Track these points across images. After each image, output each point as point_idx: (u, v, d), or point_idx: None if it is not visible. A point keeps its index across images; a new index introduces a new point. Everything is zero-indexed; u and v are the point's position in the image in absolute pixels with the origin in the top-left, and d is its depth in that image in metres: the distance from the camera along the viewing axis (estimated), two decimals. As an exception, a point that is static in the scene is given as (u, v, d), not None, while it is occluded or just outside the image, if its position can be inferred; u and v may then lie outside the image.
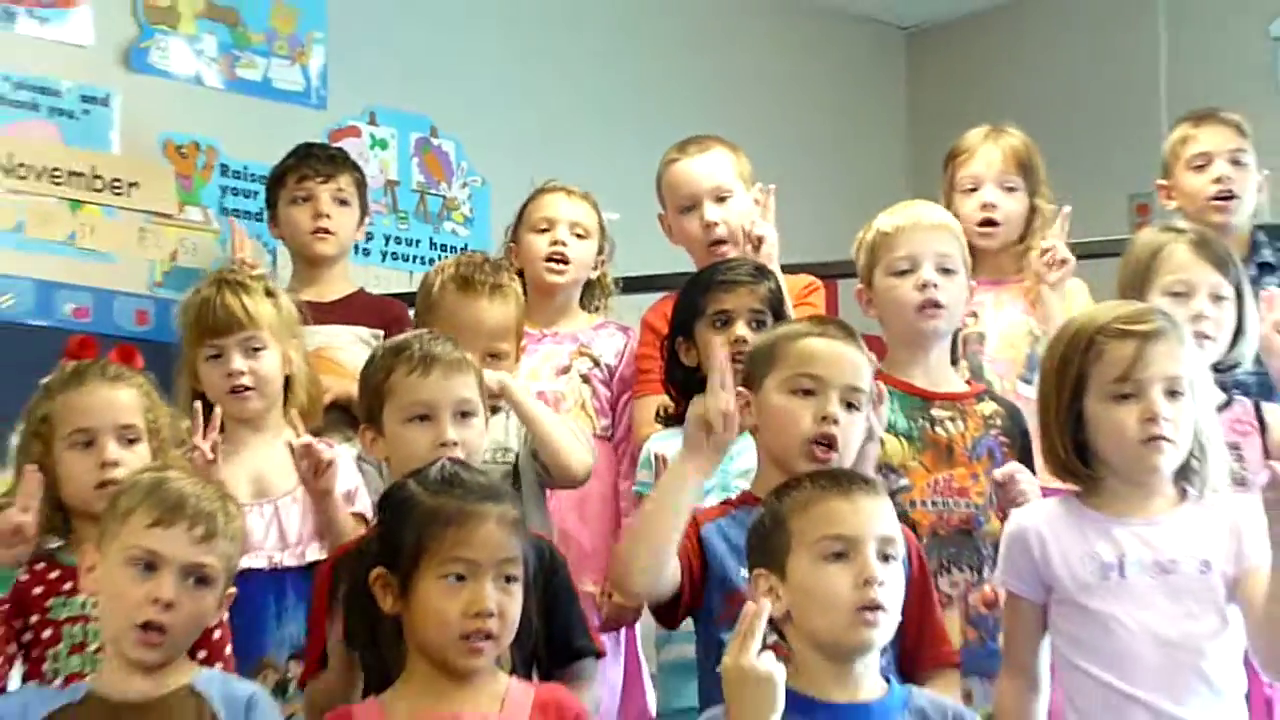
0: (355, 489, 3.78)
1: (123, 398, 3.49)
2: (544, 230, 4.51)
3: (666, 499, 3.17)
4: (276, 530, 3.76)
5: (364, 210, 4.97)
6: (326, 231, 4.82)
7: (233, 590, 3.09)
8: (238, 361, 3.81)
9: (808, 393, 3.26)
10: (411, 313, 4.62)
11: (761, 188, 4.40)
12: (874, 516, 2.90)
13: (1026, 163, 4.49)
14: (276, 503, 3.77)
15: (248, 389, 3.82)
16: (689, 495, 3.15)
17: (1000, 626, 3.50)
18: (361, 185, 4.97)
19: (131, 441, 3.46)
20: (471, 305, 3.96)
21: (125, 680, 2.96)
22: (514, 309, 4.00)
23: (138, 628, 2.93)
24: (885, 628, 2.87)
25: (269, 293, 3.95)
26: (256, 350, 3.84)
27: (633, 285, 4.82)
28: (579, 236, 4.52)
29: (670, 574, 3.18)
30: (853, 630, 2.84)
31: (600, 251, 4.61)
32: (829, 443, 3.22)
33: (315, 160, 4.92)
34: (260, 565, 3.68)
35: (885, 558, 2.88)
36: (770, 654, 2.74)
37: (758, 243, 4.20)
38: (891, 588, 2.87)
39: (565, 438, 3.86)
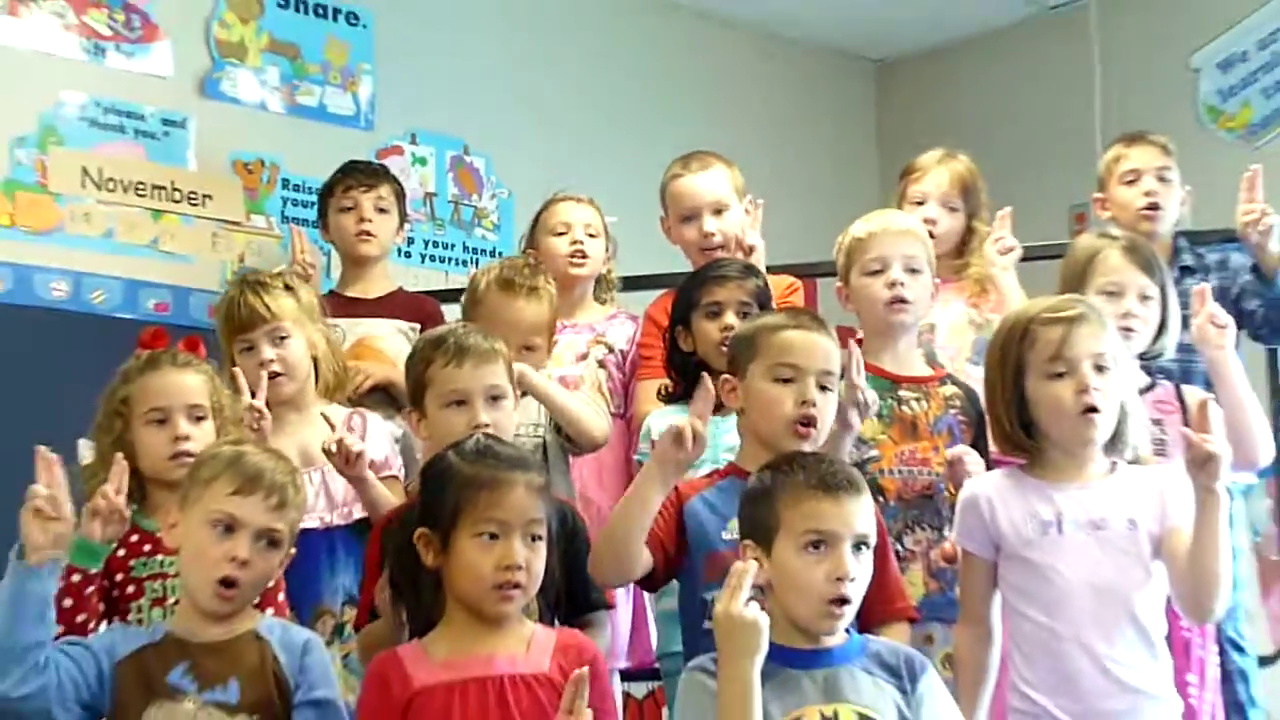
0: (386, 457, 3.80)
1: (191, 381, 3.49)
2: (562, 233, 4.53)
3: (633, 502, 3.13)
4: (325, 494, 3.78)
5: (403, 217, 4.96)
6: (369, 235, 4.82)
7: (292, 551, 3.09)
8: (267, 351, 3.82)
9: (788, 380, 3.25)
10: (448, 308, 4.65)
11: (751, 200, 4.40)
12: (854, 516, 2.87)
13: (970, 187, 4.50)
14: (323, 469, 3.76)
15: (278, 374, 3.81)
16: (654, 498, 3.11)
17: (957, 579, 3.49)
18: (400, 196, 4.96)
19: (199, 419, 3.46)
20: (511, 304, 3.92)
21: (199, 625, 2.98)
22: (547, 308, 3.97)
23: (216, 582, 2.94)
24: (848, 617, 2.86)
25: (287, 287, 3.95)
26: (282, 339, 3.86)
27: (634, 284, 4.82)
28: (591, 236, 4.54)
29: (638, 562, 3.16)
30: (820, 618, 2.84)
31: (607, 248, 4.63)
32: (809, 423, 3.22)
33: (359, 174, 4.92)
34: (314, 525, 3.70)
35: (859, 548, 2.86)
36: (756, 604, 2.73)
37: (749, 251, 4.21)
38: (860, 580, 2.85)
39: (581, 408, 3.88)
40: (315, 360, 3.92)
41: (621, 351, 4.47)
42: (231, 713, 2.90)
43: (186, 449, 3.39)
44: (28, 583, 2.90)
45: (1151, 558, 3.16)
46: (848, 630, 2.92)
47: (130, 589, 3.34)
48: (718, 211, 4.39)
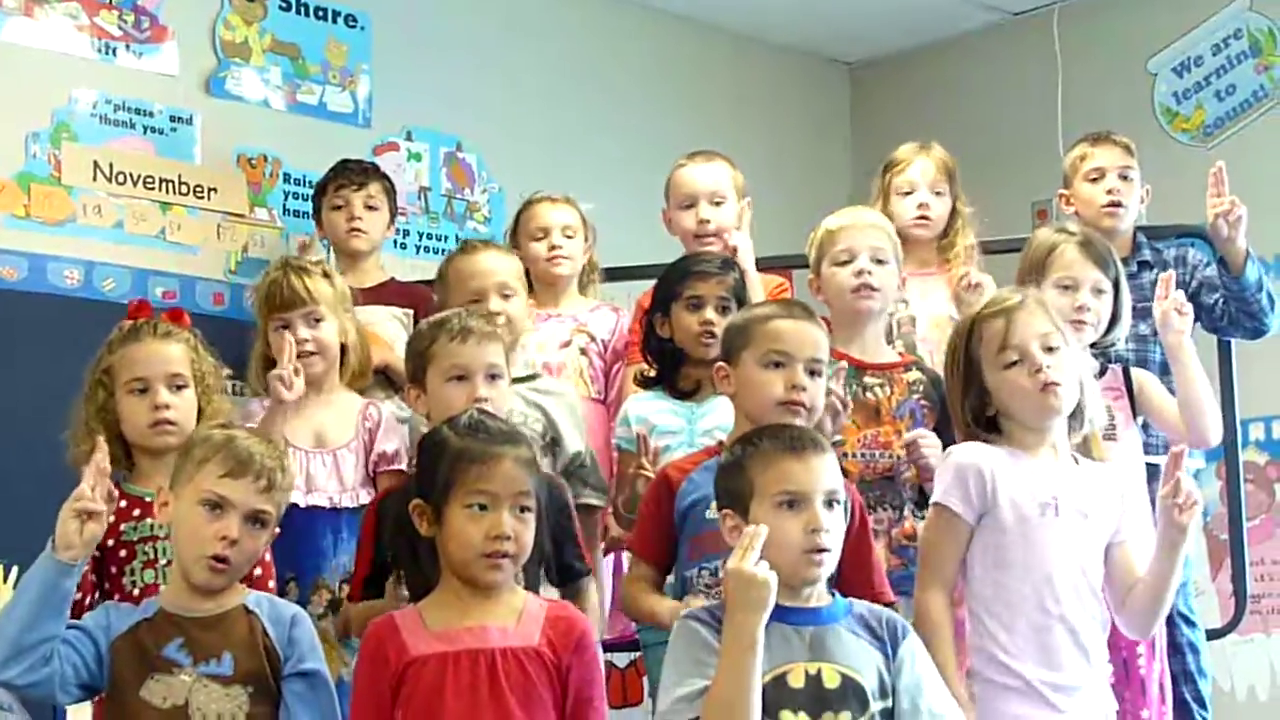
0: (398, 450, 3.82)
1: (172, 351, 3.49)
2: (540, 238, 4.54)
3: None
4: (336, 476, 3.80)
5: (393, 212, 5.03)
6: (359, 231, 4.90)
7: (277, 530, 3.13)
8: (302, 331, 3.84)
9: (778, 365, 3.30)
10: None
11: (749, 203, 4.46)
12: (822, 473, 2.92)
13: (951, 172, 4.55)
14: (336, 452, 3.80)
15: (311, 354, 3.83)
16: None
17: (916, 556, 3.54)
18: (390, 192, 5.02)
19: (180, 388, 3.46)
20: (472, 258, 4.02)
21: (191, 600, 3.02)
22: (511, 259, 4.07)
23: (208, 558, 2.97)
24: (829, 564, 2.90)
25: (325, 274, 3.98)
26: (317, 321, 3.88)
27: (615, 274, 4.85)
28: (569, 236, 4.56)
29: None
30: (802, 568, 2.87)
31: (586, 239, 4.65)
32: (799, 405, 3.27)
33: (350, 173, 4.98)
34: (323, 504, 3.75)
35: (830, 504, 2.91)
36: (765, 563, 2.76)
37: (734, 251, 4.24)
38: (834, 531, 2.90)
39: None
40: (343, 347, 3.93)
41: (603, 341, 4.50)
42: (226, 684, 2.94)
43: (167, 417, 3.42)
44: (62, 579, 2.93)
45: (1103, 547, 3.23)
46: (833, 593, 2.96)
47: (122, 553, 3.36)
48: (715, 202, 4.42)
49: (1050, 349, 3.25)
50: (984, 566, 3.23)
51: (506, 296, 3.95)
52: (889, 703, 2.85)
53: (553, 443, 3.91)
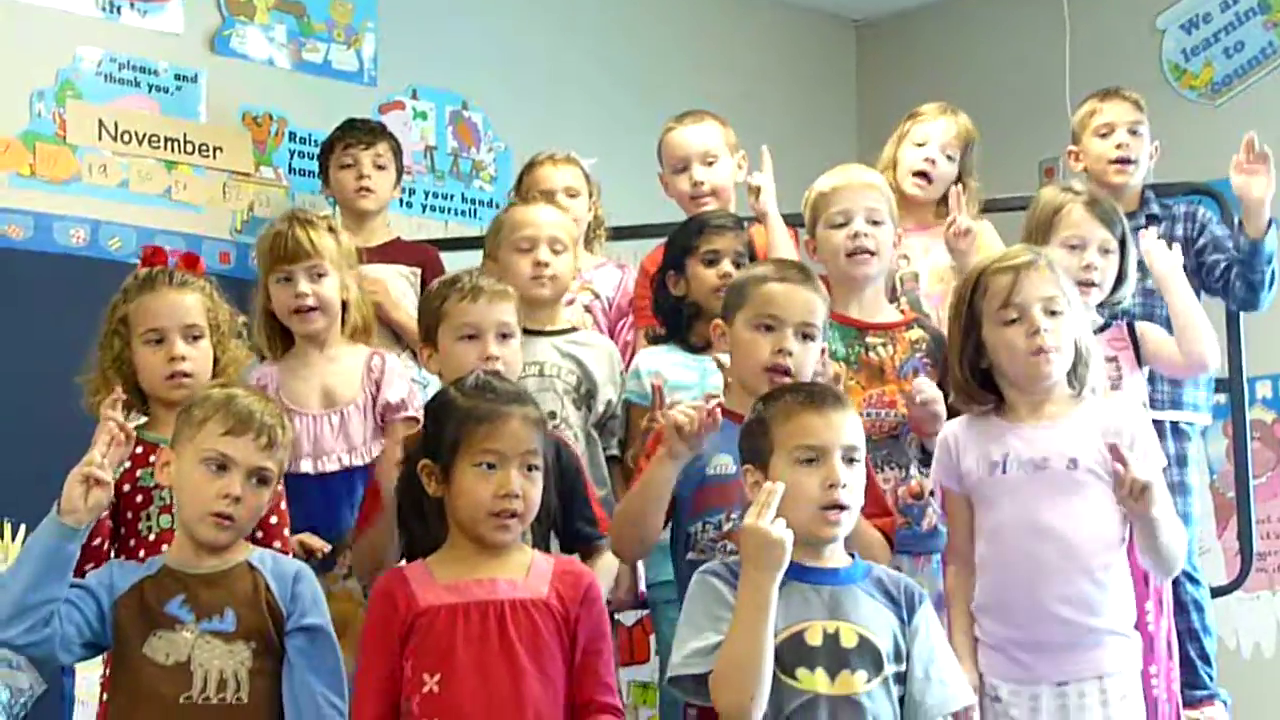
0: (404, 399, 3.78)
1: (187, 301, 3.47)
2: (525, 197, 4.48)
3: (649, 486, 3.18)
4: (345, 437, 3.76)
5: (399, 172, 5.01)
6: (368, 190, 4.89)
7: (281, 489, 3.14)
8: (304, 284, 3.76)
9: (769, 329, 3.28)
10: (447, 256, 4.69)
11: (744, 155, 4.45)
12: (842, 428, 2.92)
13: (968, 144, 4.52)
14: (343, 410, 3.76)
15: (312, 309, 3.78)
16: (669, 481, 3.15)
17: (923, 515, 3.60)
18: (397, 152, 5.00)
19: (196, 338, 3.44)
20: (529, 210, 4.05)
21: (195, 557, 3.02)
22: (563, 217, 4.09)
23: (212, 515, 2.98)
24: (847, 522, 2.91)
25: (331, 229, 3.93)
26: (320, 276, 3.80)
27: (620, 234, 4.83)
28: (572, 197, 4.53)
29: (657, 536, 3.24)
30: (818, 525, 2.87)
31: (590, 195, 4.63)
32: (783, 371, 3.25)
33: (358, 131, 4.97)
34: (334, 468, 3.72)
35: (850, 461, 2.90)
36: (782, 521, 2.77)
37: (756, 191, 4.25)
38: (854, 488, 2.90)
39: None
40: (345, 304, 3.88)
41: (607, 298, 4.49)
42: (229, 640, 2.94)
43: (182, 369, 3.40)
44: (66, 543, 2.93)
45: (1106, 493, 3.18)
46: (852, 555, 2.97)
47: (139, 498, 3.35)
48: (708, 163, 4.42)
49: (1053, 313, 3.24)
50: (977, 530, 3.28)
51: (557, 252, 3.95)
52: (902, 667, 2.87)
53: (587, 395, 3.91)
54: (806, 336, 3.30)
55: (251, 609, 2.97)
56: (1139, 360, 3.95)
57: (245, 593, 2.98)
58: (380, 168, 4.93)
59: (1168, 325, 4.07)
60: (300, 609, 3.01)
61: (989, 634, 3.22)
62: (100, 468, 2.98)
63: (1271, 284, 4.37)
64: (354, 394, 3.79)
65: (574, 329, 4.05)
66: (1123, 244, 3.87)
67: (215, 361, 3.48)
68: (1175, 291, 3.99)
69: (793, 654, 2.80)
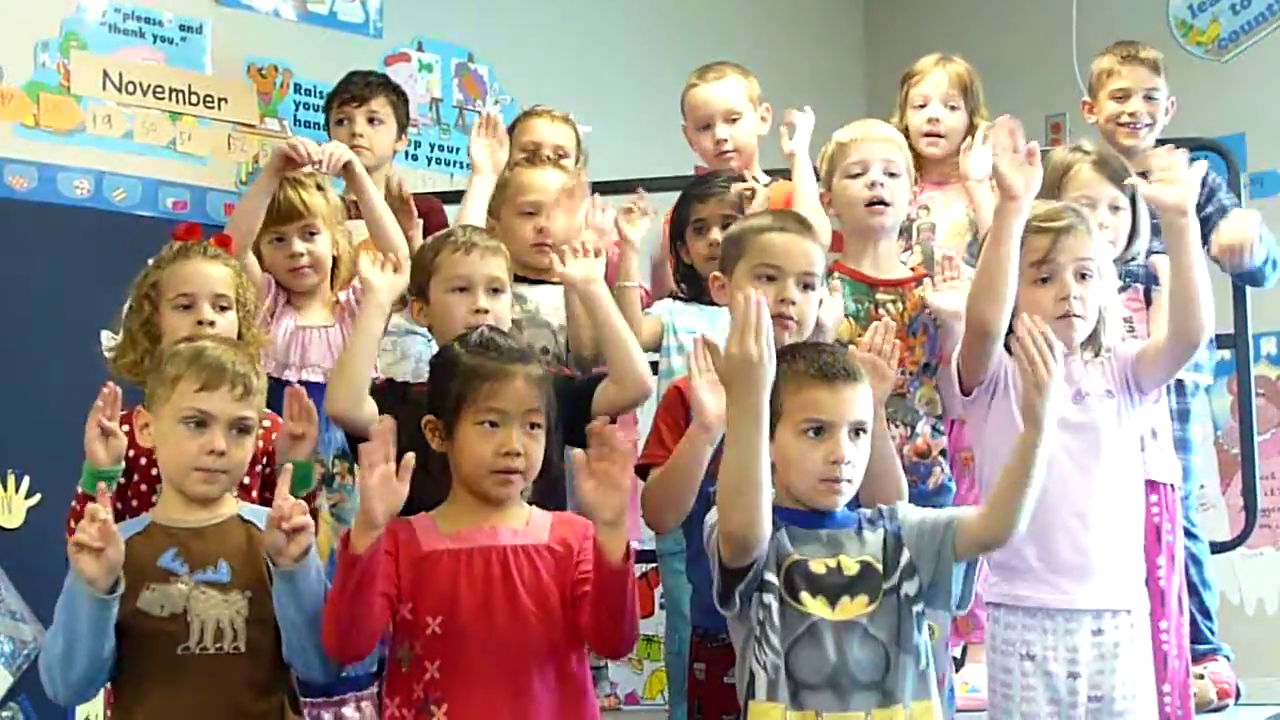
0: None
1: (218, 272, 3.54)
2: (528, 153, 4.40)
3: (687, 457, 3.12)
4: (329, 349, 3.86)
5: (402, 125, 4.88)
6: (361, 147, 4.78)
7: (261, 430, 3.14)
8: (297, 244, 3.90)
9: (770, 279, 3.27)
10: (452, 209, 4.63)
11: (768, 108, 4.39)
12: (851, 403, 2.88)
13: (968, 86, 4.47)
14: (327, 330, 3.89)
15: (306, 267, 3.90)
16: (705, 453, 3.08)
17: (930, 475, 3.60)
18: (397, 105, 4.85)
19: (223, 309, 3.50)
20: (532, 171, 4.04)
21: (184, 512, 2.99)
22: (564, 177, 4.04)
23: (198, 471, 2.95)
24: (847, 494, 2.90)
25: (319, 186, 3.98)
26: (313, 235, 3.91)
27: (608, 189, 4.70)
28: (561, 156, 4.43)
29: (690, 507, 3.18)
30: (819, 495, 2.87)
31: (577, 161, 4.54)
32: (789, 320, 3.23)
33: (353, 86, 4.82)
34: (317, 380, 3.77)
35: (856, 434, 2.88)
36: (770, 336, 2.71)
37: (790, 155, 4.18)
38: (857, 463, 2.88)
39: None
40: (335, 259, 3.97)
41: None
42: (224, 590, 2.92)
43: (209, 334, 3.37)
44: (105, 610, 2.82)
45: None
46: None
47: (154, 471, 3.24)
48: (731, 120, 4.37)
49: (1084, 276, 3.25)
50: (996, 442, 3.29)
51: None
52: (895, 580, 2.86)
53: None
54: (807, 286, 3.29)
55: (248, 560, 2.95)
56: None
57: (239, 544, 2.96)
58: (378, 122, 4.81)
59: None
60: None
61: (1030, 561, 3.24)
62: (100, 532, 2.79)
63: (1274, 270, 4.40)
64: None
65: None
66: (1133, 201, 3.83)
67: (239, 338, 3.48)
68: (1183, 251, 3.88)
69: (798, 579, 2.82)
